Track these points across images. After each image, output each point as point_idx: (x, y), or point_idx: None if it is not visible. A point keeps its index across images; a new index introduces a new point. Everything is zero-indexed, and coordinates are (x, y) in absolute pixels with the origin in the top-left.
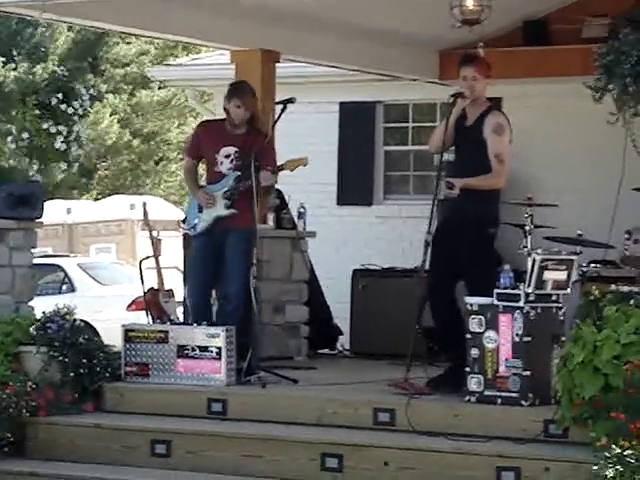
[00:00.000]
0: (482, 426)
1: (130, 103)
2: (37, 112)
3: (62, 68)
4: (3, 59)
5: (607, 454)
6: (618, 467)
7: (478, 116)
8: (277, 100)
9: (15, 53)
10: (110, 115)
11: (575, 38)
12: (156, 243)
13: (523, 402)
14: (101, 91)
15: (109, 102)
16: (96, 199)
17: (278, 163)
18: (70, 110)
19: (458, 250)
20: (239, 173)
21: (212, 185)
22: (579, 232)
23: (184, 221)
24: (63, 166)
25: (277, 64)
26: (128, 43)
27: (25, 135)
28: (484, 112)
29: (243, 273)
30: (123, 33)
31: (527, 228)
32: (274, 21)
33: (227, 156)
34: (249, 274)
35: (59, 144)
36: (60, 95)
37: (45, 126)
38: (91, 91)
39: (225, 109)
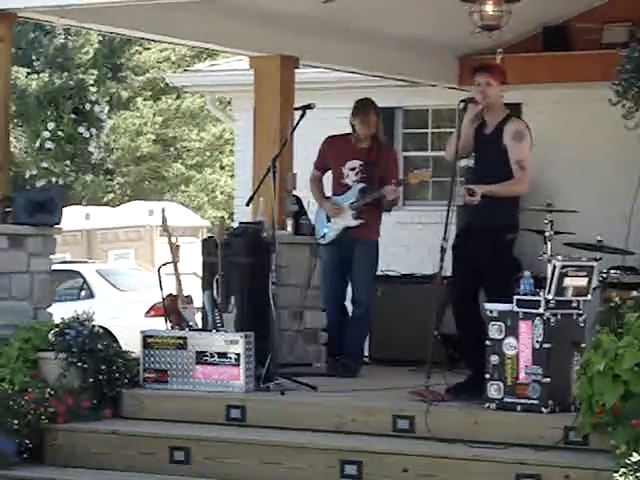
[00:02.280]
0: (502, 433)
1: (153, 110)
2: (73, 117)
3: (90, 72)
4: (27, 70)
5: (627, 461)
6: (638, 475)
7: (497, 124)
8: (296, 106)
9: (35, 59)
10: (145, 130)
11: (595, 43)
12: (175, 249)
13: (543, 409)
14: (121, 97)
15: (144, 112)
16: (118, 205)
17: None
18: (103, 115)
19: (477, 256)
20: (364, 185)
21: (338, 196)
22: (599, 238)
23: (313, 230)
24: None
25: (296, 70)
26: (147, 49)
27: (46, 138)
28: (503, 120)
29: (370, 281)
30: (141, 39)
31: (547, 234)
32: (293, 27)
33: (352, 169)
34: (374, 281)
35: (92, 148)
36: (93, 99)
37: (80, 130)
38: (105, 101)
39: (351, 124)
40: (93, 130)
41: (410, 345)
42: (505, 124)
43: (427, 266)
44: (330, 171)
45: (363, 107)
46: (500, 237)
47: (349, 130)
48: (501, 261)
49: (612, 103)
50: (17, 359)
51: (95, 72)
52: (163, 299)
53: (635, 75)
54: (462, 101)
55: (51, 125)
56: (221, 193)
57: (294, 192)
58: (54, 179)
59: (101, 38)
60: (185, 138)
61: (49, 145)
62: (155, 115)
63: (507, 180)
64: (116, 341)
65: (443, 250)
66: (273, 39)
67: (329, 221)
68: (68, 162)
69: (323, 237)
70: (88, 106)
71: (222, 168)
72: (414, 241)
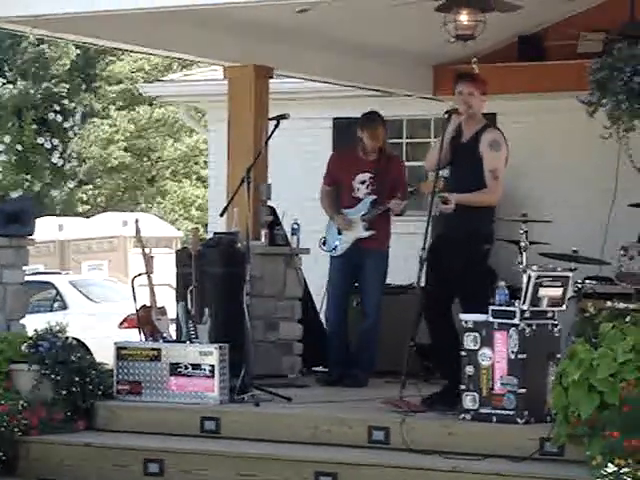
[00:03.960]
0: (477, 444)
1: (126, 119)
2: (34, 127)
3: (62, 85)
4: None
5: (603, 472)
6: None
7: (474, 133)
8: (270, 116)
9: (7, 69)
10: (116, 138)
11: (570, 53)
12: (148, 260)
13: (518, 420)
14: (94, 108)
15: (117, 123)
16: (91, 216)
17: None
18: (67, 125)
19: (452, 267)
20: (375, 197)
21: (349, 209)
22: (574, 248)
23: (324, 243)
24: (64, 183)
25: (270, 80)
26: (122, 60)
27: (18, 148)
28: (480, 129)
29: (379, 292)
30: (116, 49)
31: (522, 244)
32: (267, 36)
33: (362, 182)
34: (382, 291)
35: (56, 159)
36: (58, 109)
37: (40, 141)
38: (79, 111)
39: (359, 137)
40: (55, 141)
41: (386, 356)
42: (482, 133)
43: (403, 276)
44: (339, 184)
45: (371, 120)
46: (475, 247)
47: (323, 141)
48: (476, 271)
49: (588, 113)
50: None
51: (67, 85)
52: (137, 310)
53: (595, 87)
54: (446, 112)
55: (7, 137)
56: (197, 208)
57: (269, 202)
58: (10, 190)
59: (79, 51)
60: (158, 148)
61: (3, 157)
62: (129, 122)
63: (481, 189)
64: (90, 353)
65: (422, 260)
66: (247, 49)
67: (340, 234)
68: (28, 173)
69: (334, 249)
70: (52, 116)
71: (199, 179)
72: (390, 251)
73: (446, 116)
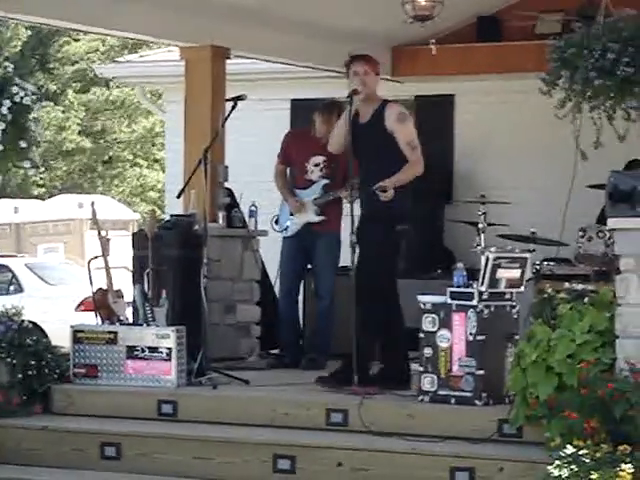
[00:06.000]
0: (436, 426)
1: (81, 101)
2: None
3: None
4: None
5: (562, 454)
6: (573, 467)
7: (374, 111)
8: (227, 97)
9: None
10: (72, 121)
11: (529, 34)
12: (105, 243)
13: (477, 402)
14: (49, 89)
15: (72, 106)
16: (50, 196)
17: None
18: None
19: (369, 247)
20: (328, 181)
21: (301, 190)
22: (532, 230)
23: (276, 222)
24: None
25: (227, 60)
26: (77, 40)
27: None
28: (380, 107)
29: (331, 274)
30: (71, 30)
31: (480, 226)
32: (224, 17)
33: (316, 165)
34: (335, 273)
35: None
36: None
37: None
38: (29, 89)
39: (313, 120)
40: None
41: (343, 337)
42: (384, 109)
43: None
44: (293, 164)
45: (328, 107)
46: (388, 227)
47: (281, 123)
48: (381, 245)
49: (542, 92)
50: None
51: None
52: (93, 293)
53: (560, 65)
54: (350, 93)
55: None
56: (152, 188)
57: (226, 184)
58: None
59: (29, 32)
60: (115, 131)
61: None
62: (85, 106)
63: (396, 163)
64: (46, 336)
65: (352, 244)
66: (204, 29)
67: (292, 214)
68: None
69: (285, 230)
70: None
71: (156, 162)
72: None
73: (348, 98)
